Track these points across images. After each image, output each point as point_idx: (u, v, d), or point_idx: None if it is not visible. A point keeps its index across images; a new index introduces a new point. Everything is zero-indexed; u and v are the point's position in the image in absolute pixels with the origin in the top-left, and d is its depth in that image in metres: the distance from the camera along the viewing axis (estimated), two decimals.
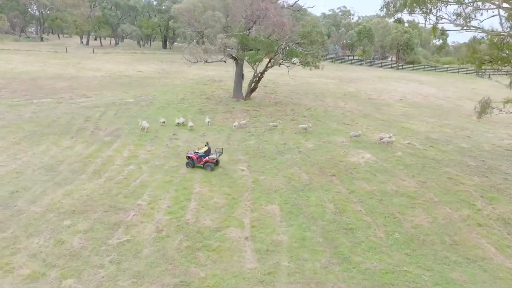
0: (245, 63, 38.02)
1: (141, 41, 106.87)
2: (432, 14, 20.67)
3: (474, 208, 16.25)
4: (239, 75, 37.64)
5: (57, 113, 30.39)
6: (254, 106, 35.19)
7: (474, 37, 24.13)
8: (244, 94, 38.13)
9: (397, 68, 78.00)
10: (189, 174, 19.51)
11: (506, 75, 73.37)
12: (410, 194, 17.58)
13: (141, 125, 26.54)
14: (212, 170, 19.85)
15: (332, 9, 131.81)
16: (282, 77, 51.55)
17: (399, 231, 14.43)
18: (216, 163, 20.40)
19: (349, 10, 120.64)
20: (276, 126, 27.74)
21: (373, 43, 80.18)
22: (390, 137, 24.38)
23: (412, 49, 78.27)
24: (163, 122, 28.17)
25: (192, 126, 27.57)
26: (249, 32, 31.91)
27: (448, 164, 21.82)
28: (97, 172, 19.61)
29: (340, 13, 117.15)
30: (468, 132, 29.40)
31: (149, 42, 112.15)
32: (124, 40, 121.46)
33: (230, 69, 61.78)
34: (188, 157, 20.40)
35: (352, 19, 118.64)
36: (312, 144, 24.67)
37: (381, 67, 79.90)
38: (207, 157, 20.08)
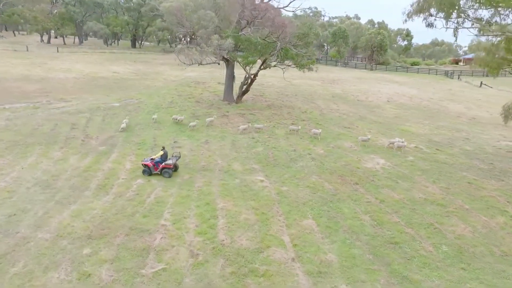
0: (235, 64, 36.69)
1: (108, 40, 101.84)
2: (452, 18, 20.63)
3: (508, 215, 16.16)
4: (230, 78, 36.26)
5: (37, 120, 27.60)
6: (249, 109, 33.98)
7: (493, 42, 24.40)
8: (235, 97, 36.79)
9: (371, 69, 79.55)
10: (206, 187, 18.07)
11: (472, 75, 76.99)
12: (439, 201, 17.25)
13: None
14: (169, 176, 18.69)
15: (304, 10, 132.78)
16: (266, 78, 50.69)
17: (445, 243, 13.94)
18: (175, 168, 19.31)
19: (320, 11, 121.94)
20: (297, 130, 26.81)
21: (348, 44, 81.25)
22: (402, 141, 24.14)
23: (386, 50, 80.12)
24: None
25: (194, 126, 26.82)
26: (246, 32, 30.61)
27: (461, 168, 21.87)
28: (102, 187, 17.70)
29: (311, 14, 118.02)
30: (464, 134, 29.95)
31: (116, 41, 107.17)
32: (88, 38, 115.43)
33: (210, 70, 60.26)
34: (144, 165, 19.07)
35: (324, 19, 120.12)
36: (322, 150, 23.93)
37: (355, 67, 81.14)
38: (163, 163, 18.88)
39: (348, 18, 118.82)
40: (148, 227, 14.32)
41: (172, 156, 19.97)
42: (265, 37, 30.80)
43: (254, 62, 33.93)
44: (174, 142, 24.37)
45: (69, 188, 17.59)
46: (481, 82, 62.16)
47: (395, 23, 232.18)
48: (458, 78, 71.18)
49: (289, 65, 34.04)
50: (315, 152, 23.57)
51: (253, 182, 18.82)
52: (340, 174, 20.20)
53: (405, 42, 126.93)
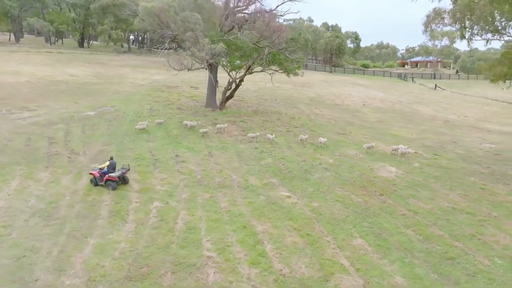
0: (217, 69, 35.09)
1: (50, 38, 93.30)
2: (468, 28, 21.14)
3: None
4: (213, 83, 34.58)
5: (3, 134, 23.92)
6: (237, 116, 32.64)
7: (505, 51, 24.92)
8: (218, 103, 35.18)
9: (331, 71, 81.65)
10: (232, 207, 16.64)
11: (422, 78, 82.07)
12: (466, 210, 17.51)
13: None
14: (114, 189, 17.35)
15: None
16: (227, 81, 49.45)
17: (496, 255, 14.01)
18: (124, 181, 18.00)
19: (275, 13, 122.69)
20: (305, 139, 26.06)
21: (308, 46, 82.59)
22: (406, 148, 24.46)
23: (344, 53, 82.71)
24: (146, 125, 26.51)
25: (194, 126, 26.54)
26: (235, 36, 29.20)
27: (465, 173, 22.65)
28: (116, 214, 15.52)
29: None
30: (449, 138, 31.34)
31: (60, 39, 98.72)
32: (25, 35, 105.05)
33: (176, 73, 57.45)
34: (91, 174, 17.90)
35: (278, 21, 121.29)
36: (331, 159, 23.46)
37: (315, 70, 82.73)
38: (107, 175, 17.48)
39: (303, 20, 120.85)
40: (192, 260, 12.66)
41: (122, 168, 18.21)
42: (256, 42, 29.69)
43: (241, 67, 32.67)
44: (176, 156, 22.40)
45: (76, 217, 15.18)
46: (435, 84, 66.52)
47: (344, 25, 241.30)
48: (412, 80, 75.62)
49: (276, 70, 33.26)
50: (325, 161, 23.04)
51: (279, 198, 17.73)
52: (361, 185, 19.83)
53: (354, 45, 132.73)
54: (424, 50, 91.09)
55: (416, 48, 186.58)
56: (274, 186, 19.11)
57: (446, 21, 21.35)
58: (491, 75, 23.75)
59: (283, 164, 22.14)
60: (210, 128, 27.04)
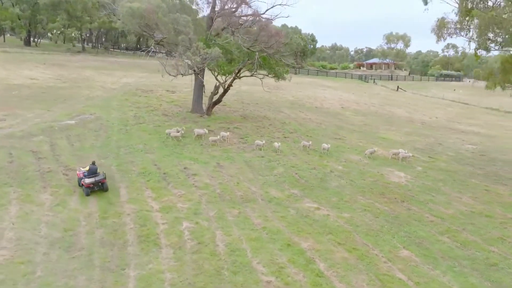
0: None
1: None
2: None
3: None
4: (200, 88, 33.24)
5: None
6: (228, 122, 31.63)
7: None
8: (204, 108, 33.89)
9: (295, 73, 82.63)
10: (266, 223, 15.88)
11: (380, 79, 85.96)
12: (484, 213, 18.28)
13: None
14: (87, 195, 16.89)
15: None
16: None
17: None
18: (103, 187, 17.37)
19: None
20: (309, 146, 25.70)
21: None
22: (406, 152, 25.13)
23: (308, 55, 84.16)
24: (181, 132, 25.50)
25: (204, 133, 25.53)
26: (230, 40, 28.22)
27: (465, 175, 23.78)
28: (146, 239, 14.12)
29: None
30: (433, 139, 32.87)
31: (1, 36, 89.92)
32: None
33: (146, 75, 54.53)
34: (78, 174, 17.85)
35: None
36: (340, 166, 23.44)
37: None
38: (83, 180, 17.08)
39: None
40: (252, 287, 11.78)
41: (96, 174, 17.31)
42: (250, 46, 28.92)
43: (231, 72, 31.71)
44: (185, 168, 21.03)
45: (101, 245, 13.57)
46: (398, 86, 69.92)
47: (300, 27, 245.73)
48: (374, 82, 78.91)
49: (266, 75, 32.73)
50: (335, 168, 22.97)
51: (309, 211, 17.27)
52: (380, 192, 19.99)
53: (311, 46, 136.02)
54: (381, 52, 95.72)
55: (365, 50, 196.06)
56: (298, 198, 18.61)
57: (455, 30, 22.27)
58: (493, 82, 24.66)
59: (296, 173, 21.70)
60: (222, 134, 25.93)
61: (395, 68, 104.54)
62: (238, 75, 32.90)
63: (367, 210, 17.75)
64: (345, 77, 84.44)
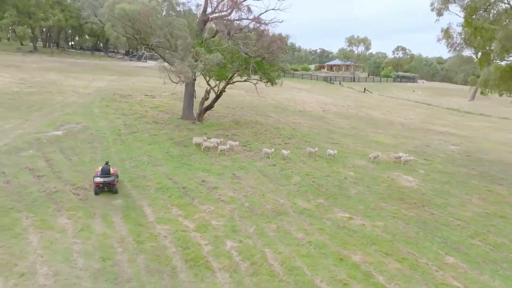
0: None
1: None
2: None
3: None
4: (191, 93, 32.01)
5: None
6: (223, 128, 30.80)
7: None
8: (195, 115, 32.70)
9: None
10: (309, 237, 15.58)
11: (344, 81, 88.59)
12: (498, 214, 19.40)
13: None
14: (96, 194, 17.29)
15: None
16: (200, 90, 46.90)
17: None
18: (111, 189, 17.54)
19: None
20: (314, 152, 25.63)
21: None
22: (407, 156, 26.02)
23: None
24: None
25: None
26: (228, 45, 27.36)
27: (462, 176, 25.14)
28: (195, 263, 13.22)
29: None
30: (419, 141, 34.43)
31: None
32: None
33: (115, 78, 51.37)
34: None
35: None
36: (351, 172, 23.69)
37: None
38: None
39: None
40: None
41: (106, 175, 17.50)
42: (248, 51, 28.28)
43: (225, 77, 30.89)
44: (202, 181, 20.05)
45: (149, 274, 12.48)
46: (365, 88, 72.59)
47: None
48: (340, 83, 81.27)
49: (260, 80, 32.29)
50: (347, 175, 23.18)
51: (343, 221, 17.21)
52: (398, 197, 20.47)
53: None
54: (344, 54, 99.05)
55: (318, 51, 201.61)
56: (326, 207, 18.49)
57: (462, 42, 23.48)
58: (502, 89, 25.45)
59: (313, 182, 21.58)
60: (230, 144, 25.10)
61: (354, 70, 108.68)
62: (231, 80, 32.12)
63: (396, 217, 18.08)
64: (311, 79, 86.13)
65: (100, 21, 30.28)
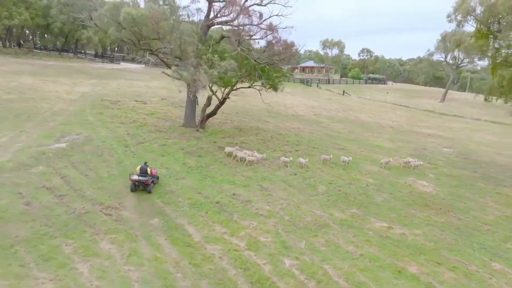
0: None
1: None
2: None
3: None
4: (194, 100, 31.07)
5: None
6: (229, 136, 30.18)
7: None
8: (197, 122, 31.80)
9: None
10: (359, 249, 15.57)
11: (319, 83, 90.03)
12: None
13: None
14: (132, 191, 18.45)
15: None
16: (172, 93, 45.99)
17: None
18: (145, 188, 18.61)
19: None
20: (329, 160, 25.84)
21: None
22: (415, 160, 26.82)
23: None
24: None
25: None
26: (238, 51, 26.78)
27: (467, 179, 26.30)
28: (261, 286, 12.78)
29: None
30: (415, 145, 35.60)
31: None
32: None
33: (96, 83, 48.74)
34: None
35: None
36: (369, 179, 24.01)
37: None
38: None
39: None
40: None
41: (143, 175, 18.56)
42: (258, 58, 27.87)
43: (231, 84, 30.27)
44: (233, 194, 19.47)
45: None
46: (344, 90, 74.20)
47: None
48: (318, 86, 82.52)
49: (264, 86, 31.96)
50: (367, 181, 23.47)
51: (384, 231, 17.40)
52: (423, 203, 21.02)
53: None
54: (319, 57, 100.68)
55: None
56: (362, 217, 18.60)
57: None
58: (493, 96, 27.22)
59: (339, 190, 21.66)
60: (257, 156, 24.83)
61: (326, 72, 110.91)
62: (234, 86, 31.54)
63: (429, 224, 18.54)
64: (288, 81, 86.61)
65: (96, 24, 28.59)
